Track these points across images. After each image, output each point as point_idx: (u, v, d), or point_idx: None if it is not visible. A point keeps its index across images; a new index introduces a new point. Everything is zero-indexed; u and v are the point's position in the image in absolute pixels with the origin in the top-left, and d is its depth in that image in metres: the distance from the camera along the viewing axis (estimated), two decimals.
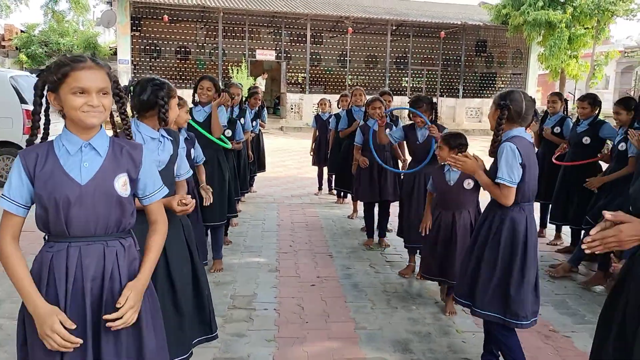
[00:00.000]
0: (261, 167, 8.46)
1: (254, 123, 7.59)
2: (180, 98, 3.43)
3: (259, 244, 5.71)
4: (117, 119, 2.17)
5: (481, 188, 3.76)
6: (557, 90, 23.79)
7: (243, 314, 3.91)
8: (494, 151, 2.97)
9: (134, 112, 2.76)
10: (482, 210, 3.56)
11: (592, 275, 4.93)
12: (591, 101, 5.62)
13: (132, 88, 2.74)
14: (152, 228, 2.09)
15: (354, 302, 4.17)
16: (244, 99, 7.14)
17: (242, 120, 6.36)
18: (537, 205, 6.53)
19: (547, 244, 6.13)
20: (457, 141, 3.88)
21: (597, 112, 5.59)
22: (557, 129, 6.03)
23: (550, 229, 6.40)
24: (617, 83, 33.75)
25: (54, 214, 1.84)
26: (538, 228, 6.42)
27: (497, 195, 2.91)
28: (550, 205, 6.06)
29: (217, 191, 4.47)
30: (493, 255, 2.96)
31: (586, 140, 5.48)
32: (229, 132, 5.39)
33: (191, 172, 2.93)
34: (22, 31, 26.53)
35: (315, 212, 7.37)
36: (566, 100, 6.42)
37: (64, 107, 1.86)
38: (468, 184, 3.87)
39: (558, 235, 6.23)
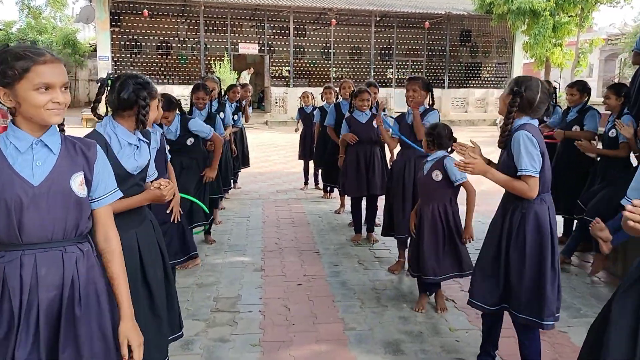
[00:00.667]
0: (245, 162, 8.25)
1: (235, 117, 7.39)
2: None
3: (244, 242, 5.53)
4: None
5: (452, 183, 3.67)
6: (553, 79, 23.85)
7: (226, 317, 3.73)
8: (504, 141, 2.74)
9: (109, 109, 2.55)
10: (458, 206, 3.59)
11: (593, 263, 4.80)
12: (580, 87, 5.50)
13: (110, 82, 2.52)
14: (107, 249, 1.90)
15: (342, 302, 4.01)
16: (222, 92, 6.94)
17: (221, 114, 6.16)
18: None
19: None
20: (429, 130, 3.79)
21: (586, 99, 5.47)
22: (546, 118, 5.90)
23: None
24: (601, 71, 33.89)
25: (4, 219, 1.66)
26: None
27: (522, 189, 2.66)
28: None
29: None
30: (520, 256, 2.74)
31: (576, 129, 5.36)
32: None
33: (157, 174, 2.74)
34: (0, 29, 26.06)
35: (302, 208, 7.20)
36: (555, 88, 6.27)
37: (21, 105, 1.67)
38: (436, 175, 3.73)
39: (562, 240, 6.09)
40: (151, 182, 2.53)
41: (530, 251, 2.71)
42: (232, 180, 7.50)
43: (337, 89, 7.72)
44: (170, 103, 4.35)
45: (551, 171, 5.55)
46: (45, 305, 1.70)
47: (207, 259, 4.92)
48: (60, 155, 1.74)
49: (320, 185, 8.30)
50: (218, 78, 6.10)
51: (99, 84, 2.52)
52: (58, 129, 1.82)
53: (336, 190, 7.33)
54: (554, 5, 20.34)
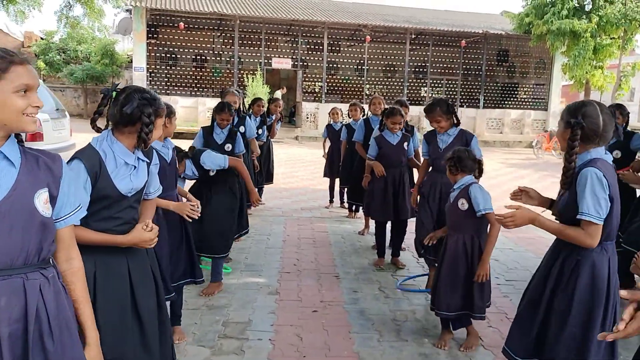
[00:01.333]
0: (269, 178, 8.09)
1: (260, 131, 7.23)
2: (169, 107, 3.08)
3: (261, 262, 5.30)
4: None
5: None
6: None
7: (234, 344, 3.50)
8: (568, 182, 2.37)
9: (109, 123, 2.29)
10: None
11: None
12: (621, 111, 5.20)
13: (114, 94, 2.28)
14: (69, 271, 1.72)
15: (359, 333, 3.73)
16: (245, 106, 6.78)
17: (241, 128, 5.98)
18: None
19: None
20: (451, 155, 3.52)
21: (626, 122, 5.16)
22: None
23: None
24: None
25: None
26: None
27: (579, 238, 2.31)
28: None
29: (221, 221, 4.30)
30: (565, 306, 2.38)
31: (617, 154, 5.02)
32: (228, 146, 4.99)
33: (161, 189, 2.54)
34: (41, 38, 26.74)
35: (325, 227, 6.95)
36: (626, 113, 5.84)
37: None
38: (462, 204, 3.44)
39: None
40: (145, 223, 2.24)
41: (578, 305, 2.35)
42: None
43: (363, 105, 7.53)
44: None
45: None
46: (7, 341, 1.50)
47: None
48: (21, 169, 1.55)
49: (346, 204, 8.06)
50: (238, 91, 5.92)
51: (102, 95, 2.30)
52: (16, 139, 1.62)
53: (361, 210, 7.07)
54: (596, 26, 19.78)
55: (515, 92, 25.44)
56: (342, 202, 8.35)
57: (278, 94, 20.07)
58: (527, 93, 25.59)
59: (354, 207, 7.60)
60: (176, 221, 3.44)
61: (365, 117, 6.81)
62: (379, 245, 5.43)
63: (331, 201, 8.40)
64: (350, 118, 7.44)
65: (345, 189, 7.86)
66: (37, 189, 1.57)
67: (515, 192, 2.62)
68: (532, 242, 6.62)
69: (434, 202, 4.28)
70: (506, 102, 24.64)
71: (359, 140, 6.54)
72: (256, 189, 5.95)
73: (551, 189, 11.58)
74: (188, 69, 24.27)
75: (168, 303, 3.24)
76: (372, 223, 6.69)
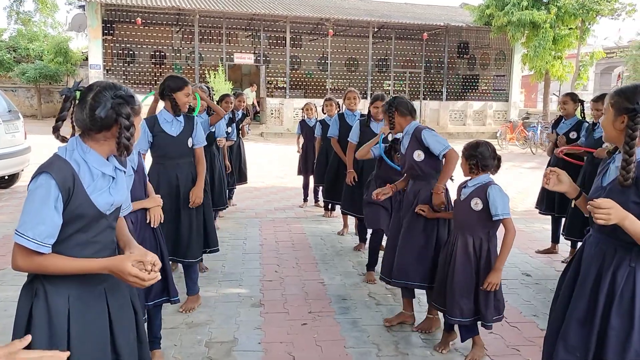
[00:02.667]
0: (242, 178, 7.74)
1: (229, 129, 6.88)
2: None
3: (240, 269, 4.99)
4: None
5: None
6: (552, 92, 23.59)
7: None
8: (629, 177, 1.98)
9: (76, 129, 1.92)
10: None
11: None
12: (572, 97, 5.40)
13: (78, 95, 1.89)
14: None
15: (355, 347, 3.47)
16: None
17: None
18: (548, 219, 5.95)
19: (562, 261, 5.51)
20: (470, 151, 3.27)
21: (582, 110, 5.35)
22: (573, 134, 5.43)
23: (564, 244, 5.79)
24: (597, 84, 33.69)
25: None
26: (550, 244, 5.84)
27: None
28: (565, 219, 5.49)
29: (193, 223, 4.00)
30: (626, 323, 2.05)
31: (607, 146, 4.91)
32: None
33: (131, 208, 2.24)
34: None
35: (302, 229, 6.67)
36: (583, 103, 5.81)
37: None
38: (476, 204, 3.21)
39: (573, 252, 5.60)
40: (148, 261, 1.84)
41: None
42: (226, 198, 7.00)
43: (338, 100, 7.27)
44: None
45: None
46: None
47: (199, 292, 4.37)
48: None
49: (321, 203, 7.80)
50: (207, 87, 5.54)
51: (63, 97, 1.89)
52: None
53: (338, 209, 6.82)
54: (554, 17, 20.04)
55: (477, 84, 25.65)
56: (316, 200, 8.08)
57: (248, 92, 19.59)
58: (488, 84, 25.83)
59: (330, 206, 7.35)
60: (148, 231, 3.12)
61: (339, 111, 6.55)
62: (373, 257, 4.88)
63: (305, 200, 8.12)
64: (324, 114, 7.17)
65: (320, 188, 7.61)
66: None
67: (547, 173, 2.28)
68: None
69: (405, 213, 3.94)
70: (468, 94, 24.81)
71: (334, 136, 6.29)
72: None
73: (520, 179, 11.64)
74: (147, 66, 23.53)
75: (146, 323, 2.93)
76: (350, 222, 6.48)
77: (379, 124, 5.18)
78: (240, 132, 7.55)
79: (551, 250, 5.81)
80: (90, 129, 1.85)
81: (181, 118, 3.94)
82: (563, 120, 5.61)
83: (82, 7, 20.57)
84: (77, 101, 1.89)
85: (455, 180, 3.69)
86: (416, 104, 22.73)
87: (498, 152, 3.32)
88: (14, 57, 24.16)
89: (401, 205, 3.94)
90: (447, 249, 3.39)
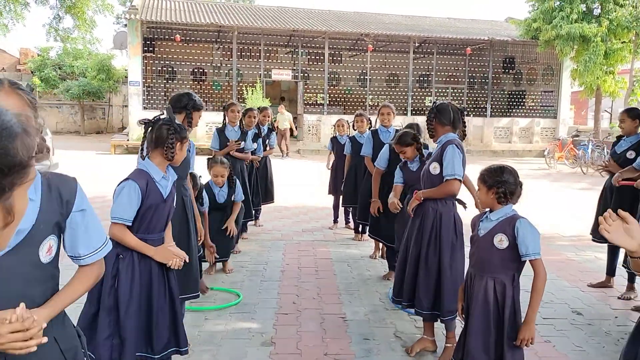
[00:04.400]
0: (268, 197, 7.36)
1: (255, 145, 6.53)
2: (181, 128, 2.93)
3: (255, 299, 4.55)
4: None
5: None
6: (604, 108, 22.49)
7: None
8: None
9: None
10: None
11: None
12: (631, 114, 4.97)
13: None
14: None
15: None
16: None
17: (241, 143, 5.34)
18: (601, 246, 5.31)
19: (619, 297, 4.86)
20: (495, 178, 2.74)
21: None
22: (631, 154, 4.82)
23: (621, 276, 5.13)
24: None
25: None
26: (605, 276, 5.20)
27: None
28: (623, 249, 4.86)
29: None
30: None
31: (631, 154, 4.81)
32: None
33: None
34: (37, 54, 26.22)
35: (328, 253, 6.20)
36: None
37: None
38: (500, 241, 2.68)
39: (631, 287, 4.94)
40: None
41: None
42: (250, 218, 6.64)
43: (370, 116, 6.83)
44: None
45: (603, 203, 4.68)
46: None
47: (206, 325, 3.96)
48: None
49: (352, 224, 7.32)
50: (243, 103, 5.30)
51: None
52: None
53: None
54: (606, 30, 19.09)
55: (523, 100, 24.72)
56: (347, 222, 7.61)
57: (279, 116, 19.15)
58: (535, 101, 24.87)
59: (361, 228, 6.86)
60: (158, 272, 2.78)
61: (372, 128, 6.09)
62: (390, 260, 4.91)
63: (335, 221, 7.66)
64: (355, 130, 6.73)
65: (351, 208, 7.15)
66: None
67: (607, 217, 1.65)
68: (563, 267, 5.85)
69: (419, 238, 3.55)
70: (514, 111, 23.91)
71: (367, 155, 5.84)
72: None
73: (571, 201, 10.85)
74: (187, 82, 23.68)
75: None
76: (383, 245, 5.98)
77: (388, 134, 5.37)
78: (266, 148, 7.19)
79: (606, 284, 5.15)
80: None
81: None
82: (624, 138, 5.01)
83: (126, 25, 20.88)
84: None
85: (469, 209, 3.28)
86: None
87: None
88: (59, 75, 24.75)
89: (419, 224, 3.51)
90: (468, 299, 2.86)
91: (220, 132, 6.10)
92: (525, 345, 2.63)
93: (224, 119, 6.19)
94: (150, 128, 2.75)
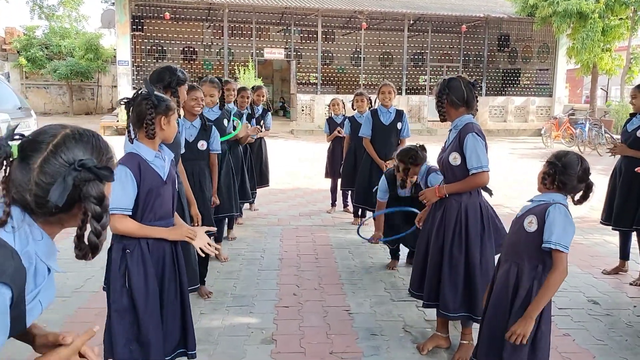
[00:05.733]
0: (263, 180, 7.08)
1: (249, 125, 6.23)
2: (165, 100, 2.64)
3: (253, 291, 4.29)
4: None
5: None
6: (600, 86, 22.20)
7: None
8: None
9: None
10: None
11: None
12: None
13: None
14: None
15: None
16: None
17: (225, 122, 4.95)
18: (608, 229, 5.09)
19: (631, 283, 4.65)
20: (552, 159, 2.49)
21: None
22: None
23: (634, 261, 4.93)
24: None
25: None
26: (618, 261, 4.99)
27: None
28: (636, 233, 4.66)
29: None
30: None
31: None
32: (203, 145, 4.09)
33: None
34: (23, 34, 25.52)
35: (328, 238, 5.95)
36: None
37: None
38: (529, 222, 2.45)
39: None
40: None
41: None
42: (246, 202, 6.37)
43: (370, 96, 6.55)
44: None
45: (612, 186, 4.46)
46: None
47: (201, 320, 3.70)
48: None
49: (350, 208, 7.07)
50: (219, 80, 4.87)
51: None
52: None
53: (369, 214, 6.10)
54: (604, 6, 18.75)
55: (518, 78, 24.40)
56: (345, 205, 7.35)
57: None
58: (530, 79, 24.55)
59: (360, 212, 6.60)
60: (170, 263, 2.52)
61: (372, 108, 5.81)
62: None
63: (333, 205, 7.40)
64: (354, 110, 6.44)
65: (350, 191, 6.89)
66: None
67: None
68: (572, 251, 5.60)
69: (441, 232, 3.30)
70: (509, 89, 23.61)
71: (366, 136, 5.59)
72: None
73: None
74: (177, 62, 23.14)
75: None
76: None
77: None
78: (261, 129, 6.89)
79: (620, 269, 4.93)
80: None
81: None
82: (637, 116, 4.76)
83: (114, 3, 20.29)
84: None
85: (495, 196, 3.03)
86: None
87: (543, 151, 2.56)
88: (46, 55, 24.13)
89: (441, 216, 3.22)
90: (499, 291, 2.61)
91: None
92: (515, 342, 2.38)
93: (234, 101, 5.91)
94: (131, 107, 2.47)
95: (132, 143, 2.47)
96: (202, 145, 4.12)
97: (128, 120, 2.50)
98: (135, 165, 2.38)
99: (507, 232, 2.66)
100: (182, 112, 3.80)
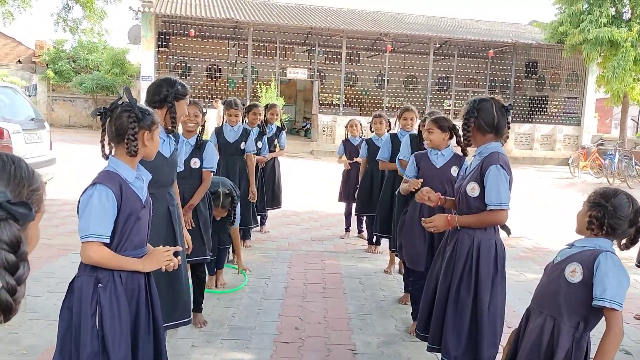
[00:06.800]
0: (275, 202, 6.79)
1: (259, 144, 5.99)
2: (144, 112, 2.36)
3: (252, 323, 3.98)
4: None
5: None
6: (631, 117, 21.49)
7: None
8: None
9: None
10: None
11: None
12: None
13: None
14: None
15: None
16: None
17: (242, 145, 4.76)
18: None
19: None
20: (598, 198, 2.16)
21: None
22: None
23: None
24: None
25: None
26: None
27: None
28: None
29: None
30: None
31: None
32: (195, 163, 3.82)
33: None
34: (53, 47, 25.95)
35: (338, 267, 5.62)
36: None
37: None
38: (573, 272, 2.11)
39: None
40: None
41: None
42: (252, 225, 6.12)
43: (390, 119, 6.27)
44: None
45: None
46: None
47: (193, 354, 3.39)
48: None
49: (365, 234, 6.74)
50: (243, 104, 4.77)
51: None
52: None
53: (384, 242, 5.77)
54: (637, 35, 18.27)
55: (545, 106, 23.90)
56: (359, 231, 7.02)
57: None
58: (558, 107, 24.04)
59: (375, 240, 6.27)
60: (144, 297, 2.24)
61: (392, 132, 5.51)
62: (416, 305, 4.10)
63: (347, 230, 7.08)
64: (372, 132, 6.15)
65: (364, 217, 6.57)
66: None
67: None
68: None
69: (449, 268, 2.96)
70: (536, 117, 23.11)
71: (383, 159, 5.27)
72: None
73: None
74: (202, 79, 23.26)
75: None
76: (398, 259, 5.40)
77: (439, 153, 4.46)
78: (274, 149, 6.65)
79: None
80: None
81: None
82: None
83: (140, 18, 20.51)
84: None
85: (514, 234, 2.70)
86: None
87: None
88: (73, 68, 24.44)
89: (451, 252, 2.90)
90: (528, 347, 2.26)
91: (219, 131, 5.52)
92: None
93: (243, 119, 5.78)
94: (108, 118, 2.19)
95: (106, 159, 2.22)
96: (194, 163, 3.84)
97: (103, 134, 2.24)
98: (117, 186, 2.11)
99: (541, 279, 2.31)
100: (181, 129, 3.55)
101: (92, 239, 2.04)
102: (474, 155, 2.97)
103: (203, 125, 3.92)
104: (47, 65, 24.65)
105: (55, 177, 8.59)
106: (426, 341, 3.09)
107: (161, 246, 2.30)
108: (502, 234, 2.95)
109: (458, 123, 3.17)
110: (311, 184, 11.71)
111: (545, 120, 22.70)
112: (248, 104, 6.11)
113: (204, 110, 4.04)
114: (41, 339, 3.50)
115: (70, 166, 11.62)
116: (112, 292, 2.10)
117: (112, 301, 2.09)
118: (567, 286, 2.10)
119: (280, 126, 6.73)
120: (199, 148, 3.87)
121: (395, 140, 5.14)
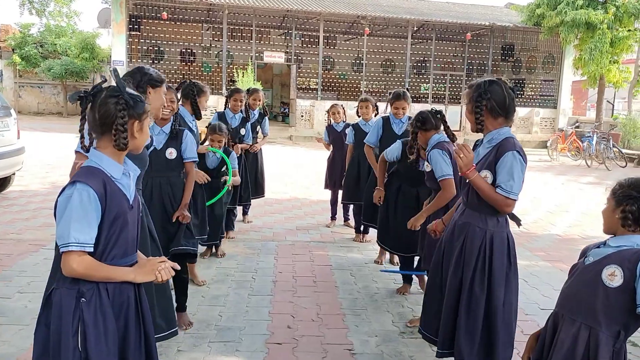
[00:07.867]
0: (259, 191, 6.55)
1: (243, 131, 5.72)
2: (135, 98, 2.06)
3: (241, 322, 3.74)
4: None
5: None
6: (607, 99, 21.60)
7: None
8: None
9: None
10: None
11: None
12: None
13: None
14: None
15: None
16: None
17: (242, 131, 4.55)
18: None
19: None
20: (628, 191, 1.94)
21: None
22: None
23: None
24: None
25: None
26: None
27: None
28: None
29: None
30: None
31: None
32: (172, 153, 3.48)
33: None
34: (19, 31, 24.99)
35: (327, 258, 5.40)
36: None
37: None
38: (611, 275, 1.90)
39: None
40: None
41: None
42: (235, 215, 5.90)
43: (377, 103, 6.04)
44: None
45: None
46: None
47: (179, 359, 3.15)
48: None
49: (351, 223, 6.53)
50: (248, 90, 4.55)
51: None
52: None
53: (372, 231, 5.57)
54: (612, 17, 18.31)
55: (522, 89, 23.94)
56: (346, 219, 6.81)
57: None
58: (534, 90, 24.09)
59: (362, 228, 6.06)
60: (134, 311, 1.97)
61: (385, 115, 5.25)
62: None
63: (333, 218, 6.86)
64: (359, 117, 5.90)
65: (351, 206, 6.37)
66: None
67: None
68: None
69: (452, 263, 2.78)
70: None
71: (371, 144, 5.04)
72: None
73: (581, 197, 10.13)
74: (175, 64, 22.68)
75: None
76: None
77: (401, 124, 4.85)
78: (257, 136, 6.37)
79: None
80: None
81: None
82: None
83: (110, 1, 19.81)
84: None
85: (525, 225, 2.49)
86: (456, 108, 21.28)
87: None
88: (41, 53, 23.60)
89: (460, 247, 2.70)
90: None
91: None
92: None
93: (226, 104, 5.72)
94: (90, 104, 1.87)
95: (86, 153, 1.92)
96: (170, 153, 3.46)
97: (82, 122, 1.94)
98: (100, 184, 1.81)
99: (567, 281, 2.10)
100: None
101: (73, 248, 1.74)
102: (477, 143, 2.77)
103: (176, 113, 3.58)
104: (13, 50, 23.72)
105: (25, 167, 8.18)
106: (428, 340, 2.91)
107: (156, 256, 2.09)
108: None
109: (454, 109, 2.97)
110: (292, 170, 11.44)
111: (522, 103, 22.70)
112: (230, 89, 5.79)
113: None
114: (11, 346, 3.21)
115: (40, 156, 11.15)
116: (97, 308, 1.81)
117: (97, 318, 1.81)
118: (605, 291, 1.89)
119: (262, 112, 6.45)
120: (175, 137, 3.51)
121: (387, 124, 4.92)
